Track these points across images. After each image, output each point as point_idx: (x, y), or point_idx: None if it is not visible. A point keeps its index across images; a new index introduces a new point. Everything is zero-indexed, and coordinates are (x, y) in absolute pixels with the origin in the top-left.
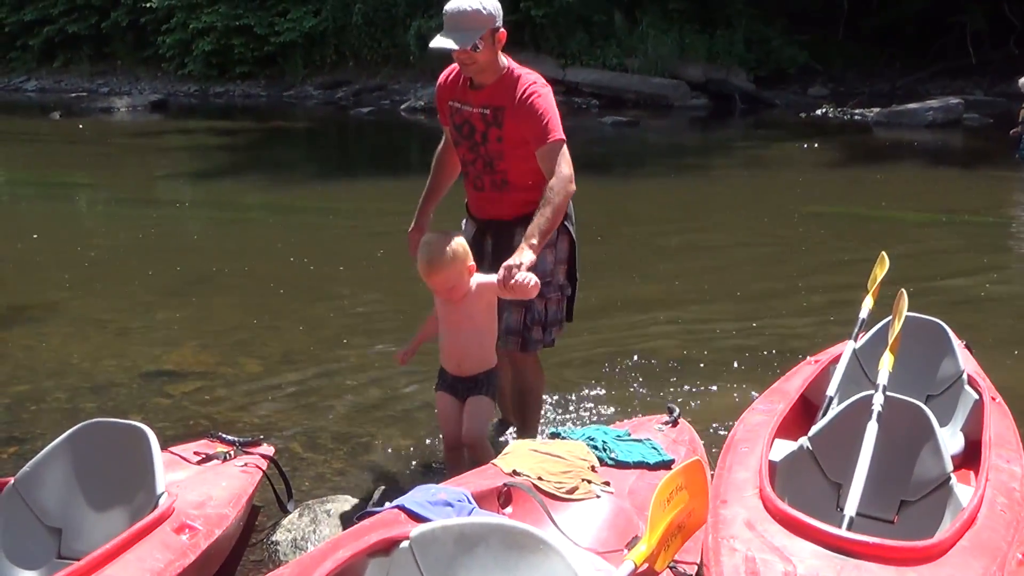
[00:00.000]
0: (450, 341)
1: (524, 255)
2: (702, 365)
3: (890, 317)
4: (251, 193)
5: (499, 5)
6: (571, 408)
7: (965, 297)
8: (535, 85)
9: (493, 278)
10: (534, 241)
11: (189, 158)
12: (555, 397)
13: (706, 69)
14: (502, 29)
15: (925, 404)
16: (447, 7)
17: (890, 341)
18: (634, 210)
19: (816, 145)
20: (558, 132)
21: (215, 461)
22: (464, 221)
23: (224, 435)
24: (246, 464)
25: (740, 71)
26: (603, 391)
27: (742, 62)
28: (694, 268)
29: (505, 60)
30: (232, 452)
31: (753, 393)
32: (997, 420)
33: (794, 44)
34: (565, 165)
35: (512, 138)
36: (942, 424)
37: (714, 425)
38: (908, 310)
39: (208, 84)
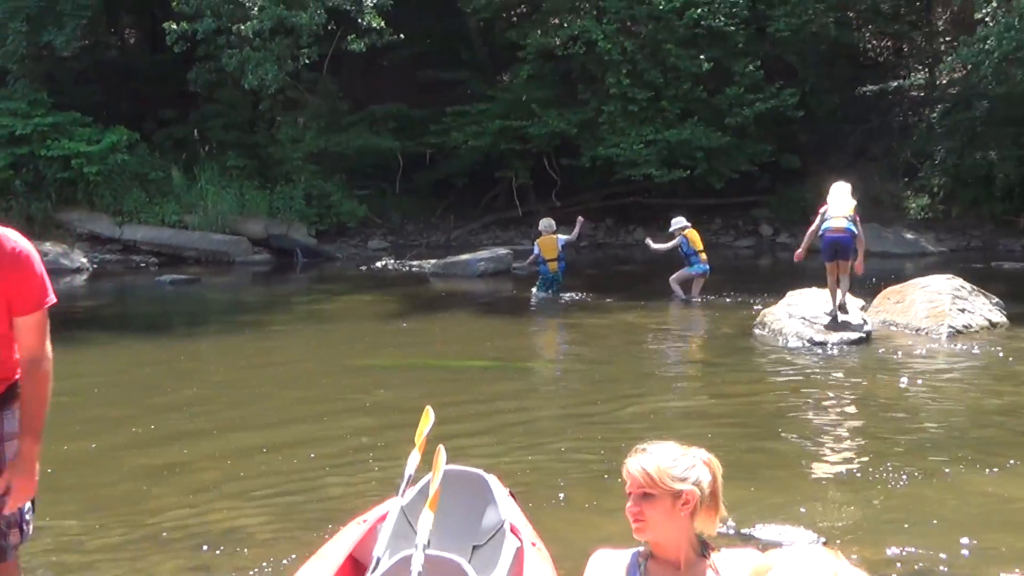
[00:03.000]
0: None
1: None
2: (249, 532)
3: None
4: None
5: None
6: None
7: (516, 445)
8: (20, 242)
9: None
10: (36, 450)
11: None
12: None
13: (267, 224)
14: None
15: (471, 555)
16: None
17: (429, 497)
18: (196, 369)
19: (375, 297)
20: (49, 299)
21: None
22: None
23: None
24: None
25: (301, 226)
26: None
27: (303, 217)
28: (247, 428)
29: None
30: None
31: (293, 555)
32: (535, 566)
33: (354, 199)
34: (48, 343)
35: None
36: (486, 573)
37: None
38: (458, 459)
39: None
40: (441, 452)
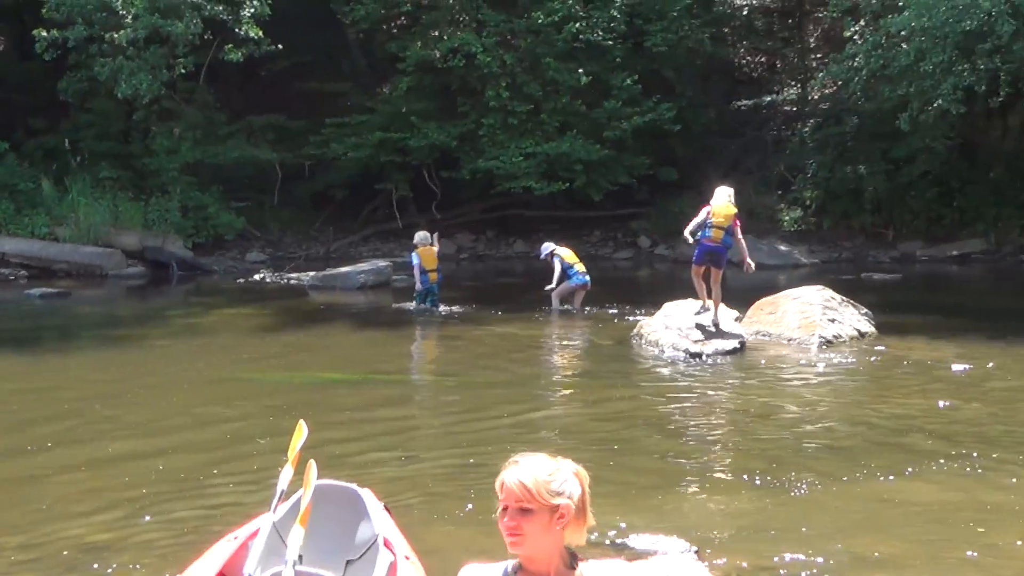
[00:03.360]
0: None
1: None
2: (116, 549)
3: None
4: None
5: None
6: None
7: (393, 458)
8: None
9: None
10: None
11: None
12: None
13: (142, 237)
14: None
15: (344, 569)
16: None
17: (300, 513)
18: (63, 384)
19: (253, 310)
20: None
21: None
22: None
23: None
24: None
25: (177, 238)
26: None
27: (179, 229)
28: (116, 441)
29: None
30: None
31: (166, 574)
32: None
33: (231, 210)
34: None
35: None
36: None
37: None
38: (334, 473)
39: None
40: (312, 467)
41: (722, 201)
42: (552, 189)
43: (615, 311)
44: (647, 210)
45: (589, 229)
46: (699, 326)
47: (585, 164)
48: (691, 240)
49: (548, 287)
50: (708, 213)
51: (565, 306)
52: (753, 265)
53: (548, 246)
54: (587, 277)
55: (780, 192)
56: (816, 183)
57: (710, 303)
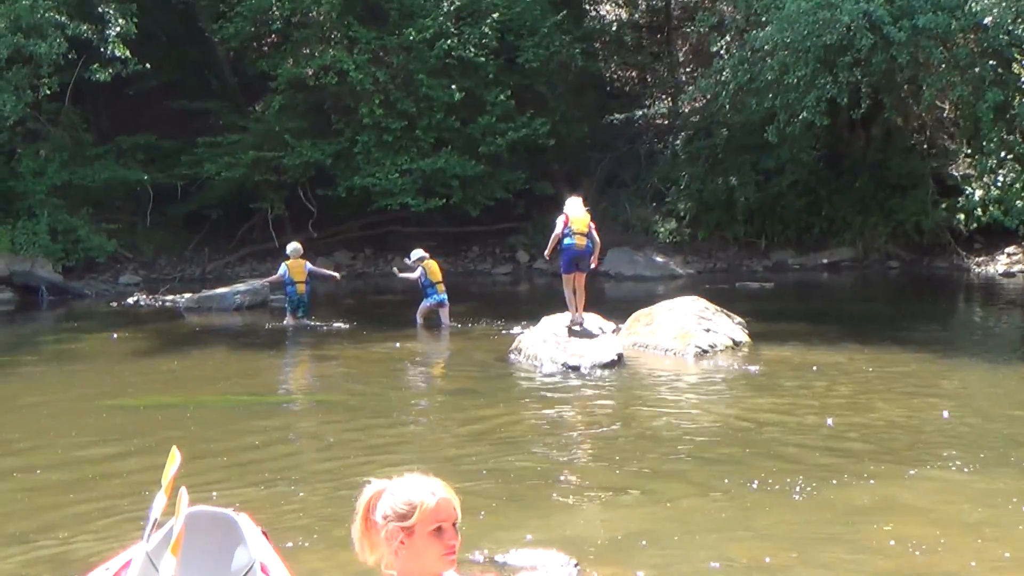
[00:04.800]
0: None
1: None
2: None
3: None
4: None
5: None
6: None
7: (270, 482)
8: None
9: None
10: None
11: None
12: None
13: (9, 261)
14: None
15: None
16: None
17: (172, 541)
18: None
19: (127, 334)
20: None
21: None
22: None
23: None
24: None
25: (46, 262)
26: None
27: (48, 252)
28: None
29: None
30: None
31: None
32: None
33: (102, 232)
34: None
35: None
36: None
37: None
38: (211, 499)
39: None
40: (183, 494)
41: (579, 210)
42: (429, 205)
43: (494, 326)
44: (524, 224)
45: (468, 244)
46: (571, 331)
47: (461, 180)
48: (548, 259)
49: (401, 275)
50: (566, 223)
51: (421, 320)
52: (597, 265)
53: (418, 253)
54: (444, 296)
55: (655, 204)
56: (689, 195)
57: (579, 315)
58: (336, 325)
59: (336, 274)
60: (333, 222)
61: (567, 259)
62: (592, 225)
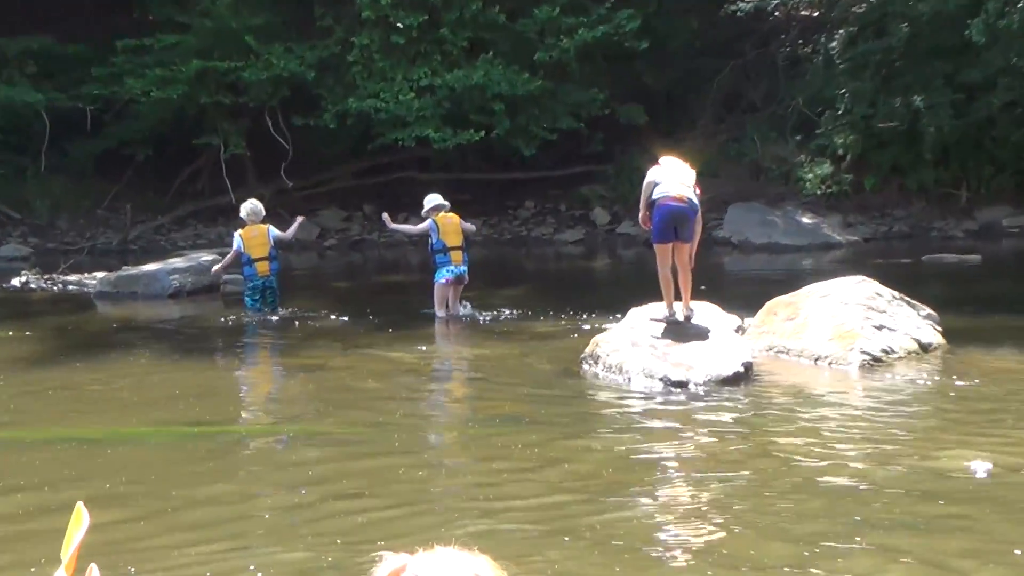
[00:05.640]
0: None
1: None
2: None
3: None
4: None
5: None
6: None
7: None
8: None
9: None
10: None
11: None
12: None
13: None
14: None
15: None
16: None
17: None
18: None
19: (10, 333)
20: None
21: None
22: None
23: None
24: None
25: None
26: None
27: None
28: None
29: None
30: None
31: None
32: None
33: None
34: None
35: None
36: None
37: None
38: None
39: None
40: (93, 572)
41: (677, 168)
42: (460, 140)
43: (558, 322)
44: (604, 169)
45: (518, 199)
46: (671, 330)
47: (508, 102)
48: (644, 225)
49: (393, 225)
50: (657, 180)
51: (442, 313)
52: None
53: (433, 200)
54: (461, 268)
55: (799, 138)
56: (852, 123)
57: (679, 307)
58: (323, 319)
59: (300, 217)
60: (317, 167)
61: (659, 217)
62: (698, 190)
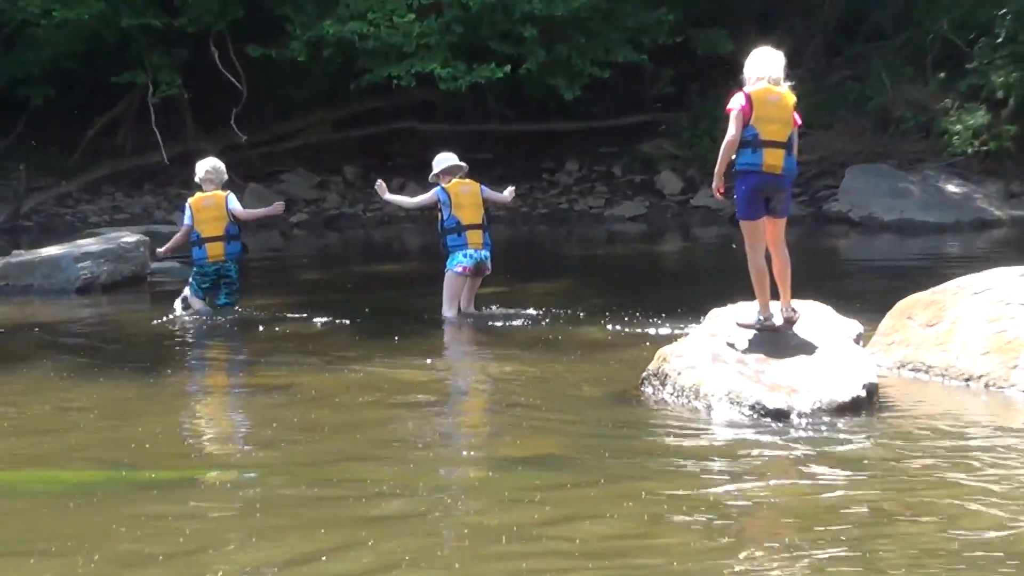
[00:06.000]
0: None
1: None
2: None
3: None
4: None
5: None
6: None
7: None
8: None
9: None
10: None
11: None
12: None
13: None
14: None
15: None
16: None
17: None
18: None
19: None
20: None
21: None
22: None
23: None
24: None
25: None
26: None
27: None
28: None
29: None
30: None
31: None
32: None
33: None
34: None
35: None
36: None
37: None
38: None
39: None
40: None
41: (775, 75)
42: (476, 79)
43: (613, 327)
44: (675, 118)
45: (556, 159)
46: (764, 338)
47: (543, 26)
48: (719, 194)
49: (389, 196)
50: (745, 115)
51: (451, 314)
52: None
53: (445, 160)
54: (482, 252)
55: (942, 74)
56: (1015, 56)
57: (777, 308)
58: (296, 323)
59: (278, 204)
60: (280, 116)
61: (743, 188)
62: (798, 122)
